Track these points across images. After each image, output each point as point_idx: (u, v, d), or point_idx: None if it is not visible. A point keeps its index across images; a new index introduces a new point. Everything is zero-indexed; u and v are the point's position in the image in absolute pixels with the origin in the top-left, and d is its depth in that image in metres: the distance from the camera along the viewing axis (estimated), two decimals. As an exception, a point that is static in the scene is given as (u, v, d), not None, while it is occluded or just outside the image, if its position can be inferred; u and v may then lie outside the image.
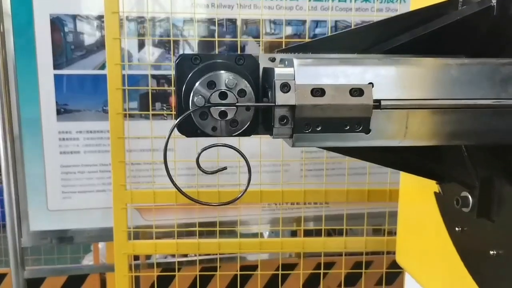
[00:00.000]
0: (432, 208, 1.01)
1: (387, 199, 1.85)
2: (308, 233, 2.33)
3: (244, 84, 0.71)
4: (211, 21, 2.09)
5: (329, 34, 1.39)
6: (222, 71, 0.71)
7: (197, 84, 0.71)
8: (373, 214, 2.15)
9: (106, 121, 2.10)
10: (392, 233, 2.05)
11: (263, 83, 0.77)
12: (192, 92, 0.71)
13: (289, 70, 0.71)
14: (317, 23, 2.14)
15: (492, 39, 0.79)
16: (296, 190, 1.86)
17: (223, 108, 0.72)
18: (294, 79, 0.70)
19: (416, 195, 1.14)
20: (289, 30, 2.13)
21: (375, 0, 2.08)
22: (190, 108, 0.72)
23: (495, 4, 0.76)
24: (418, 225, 1.15)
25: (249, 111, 0.72)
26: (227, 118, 0.72)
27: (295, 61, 0.71)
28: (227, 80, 0.70)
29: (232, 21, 2.10)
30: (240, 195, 0.79)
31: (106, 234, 2.23)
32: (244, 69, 0.74)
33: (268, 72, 0.74)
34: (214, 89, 0.71)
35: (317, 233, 2.28)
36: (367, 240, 1.90)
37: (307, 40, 2.03)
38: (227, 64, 0.73)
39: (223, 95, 0.71)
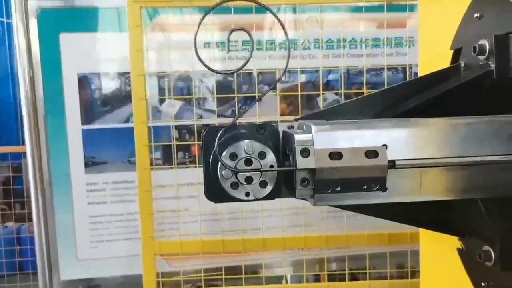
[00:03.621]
0: (453, 250, 1.04)
1: (408, 242, 1.87)
2: (331, 274, 2.34)
3: (271, 158, 0.77)
4: (227, 71, 2.19)
5: (343, 102, 1.47)
6: (256, 142, 0.77)
7: (225, 152, 0.78)
8: (395, 253, 2.16)
9: (131, 172, 2.19)
10: (415, 274, 2.05)
11: (283, 146, 0.83)
12: (226, 150, 0.77)
13: (307, 136, 0.77)
14: (329, 70, 2.23)
15: (494, 99, 0.85)
16: (317, 236, 1.89)
17: (248, 174, 0.78)
18: (313, 144, 0.76)
19: (437, 238, 1.17)
20: (303, 78, 2.22)
21: (385, 46, 2.16)
22: (219, 175, 0.78)
23: (494, 68, 0.82)
24: (441, 267, 1.17)
25: (266, 188, 0.77)
26: (253, 183, 0.78)
27: (313, 127, 0.78)
28: (254, 148, 0.77)
29: (248, 72, 2.20)
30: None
31: (132, 282, 2.28)
32: (265, 138, 0.81)
33: (289, 137, 0.80)
34: (240, 157, 0.77)
35: (341, 275, 2.28)
36: (391, 284, 1.91)
37: (321, 89, 2.10)
38: (249, 134, 0.80)
39: (248, 162, 0.78)
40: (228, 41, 0.81)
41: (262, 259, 2.19)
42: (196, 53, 0.72)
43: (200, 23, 0.70)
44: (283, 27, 0.74)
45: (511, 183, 0.81)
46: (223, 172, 0.77)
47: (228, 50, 2.01)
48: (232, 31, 0.75)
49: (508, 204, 0.86)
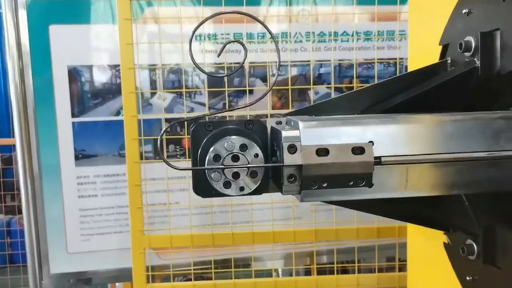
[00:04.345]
0: (440, 244, 1.05)
1: (396, 235, 1.89)
2: (322, 268, 2.36)
3: (257, 151, 0.77)
4: (220, 65, 2.18)
5: (332, 97, 1.47)
6: (236, 137, 0.77)
7: (211, 148, 0.77)
8: (384, 246, 2.18)
9: (122, 165, 2.18)
10: (405, 267, 2.07)
11: (271, 141, 0.83)
12: (208, 154, 0.77)
13: (295, 133, 0.77)
14: (321, 63, 2.23)
15: (480, 95, 0.85)
16: (307, 230, 1.91)
17: (236, 170, 0.78)
18: (300, 141, 0.76)
19: (424, 232, 1.18)
20: (294, 71, 2.22)
21: (376, 40, 2.16)
22: (206, 170, 0.78)
23: (479, 65, 0.83)
24: (428, 262, 1.18)
25: (256, 178, 0.77)
26: (239, 178, 0.78)
27: (300, 124, 0.78)
28: (240, 144, 0.77)
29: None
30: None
31: (123, 275, 2.29)
32: (253, 133, 0.80)
33: (276, 133, 0.80)
34: (228, 152, 0.77)
35: (331, 268, 2.30)
36: (379, 277, 1.93)
37: (311, 83, 2.10)
38: (237, 130, 0.80)
39: (235, 158, 0.78)
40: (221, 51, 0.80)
41: (253, 253, 2.20)
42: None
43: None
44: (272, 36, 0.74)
45: (495, 179, 0.82)
46: (212, 175, 0.76)
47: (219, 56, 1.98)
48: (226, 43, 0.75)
49: (490, 199, 0.87)
